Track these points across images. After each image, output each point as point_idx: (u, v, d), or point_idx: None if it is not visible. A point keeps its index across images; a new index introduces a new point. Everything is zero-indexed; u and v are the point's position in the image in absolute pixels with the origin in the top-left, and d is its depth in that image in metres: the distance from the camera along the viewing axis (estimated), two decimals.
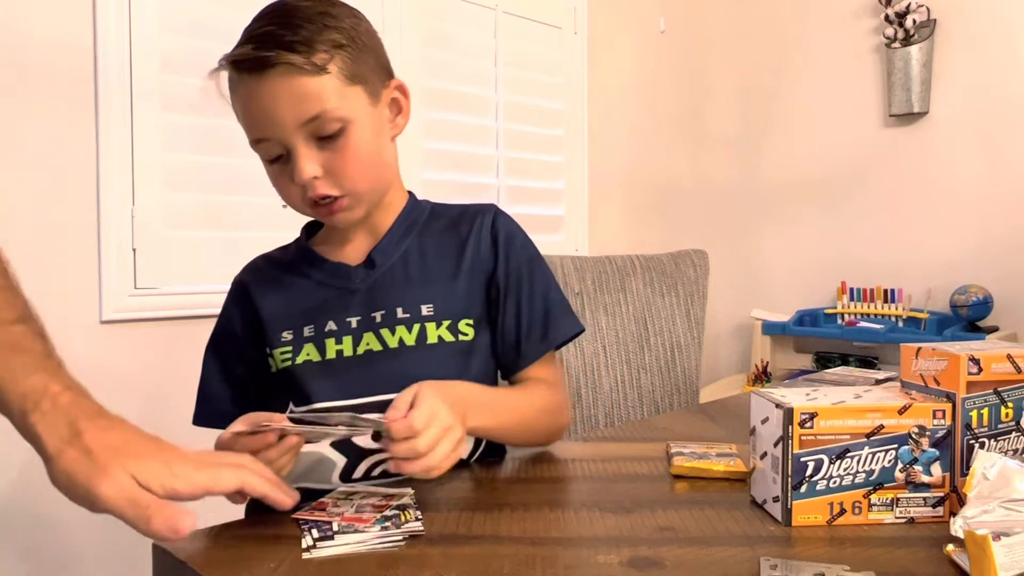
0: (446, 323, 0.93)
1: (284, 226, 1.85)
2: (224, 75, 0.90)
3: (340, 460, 0.88)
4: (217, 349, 1.00)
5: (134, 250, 1.63)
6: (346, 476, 0.88)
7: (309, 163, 0.86)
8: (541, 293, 0.98)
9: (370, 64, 0.90)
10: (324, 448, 0.89)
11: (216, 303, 1.71)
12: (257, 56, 0.83)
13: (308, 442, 0.82)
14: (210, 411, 0.97)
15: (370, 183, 0.92)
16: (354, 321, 0.93)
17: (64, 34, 1.55)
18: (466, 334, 0.94)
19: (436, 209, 1.03)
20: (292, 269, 0.99)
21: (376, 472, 0.88)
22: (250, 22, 0.90)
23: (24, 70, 1.50)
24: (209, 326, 1.80)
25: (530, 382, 0.98)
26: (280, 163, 0.89)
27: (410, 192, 1.03)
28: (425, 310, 0.93)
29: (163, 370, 1.68)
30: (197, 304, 1.72)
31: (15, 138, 1.49)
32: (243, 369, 0.98)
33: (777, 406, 0.71)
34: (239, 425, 0.77)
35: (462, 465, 0.91)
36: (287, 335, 0.94)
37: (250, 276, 1.01)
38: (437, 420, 0.73)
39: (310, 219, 1.03)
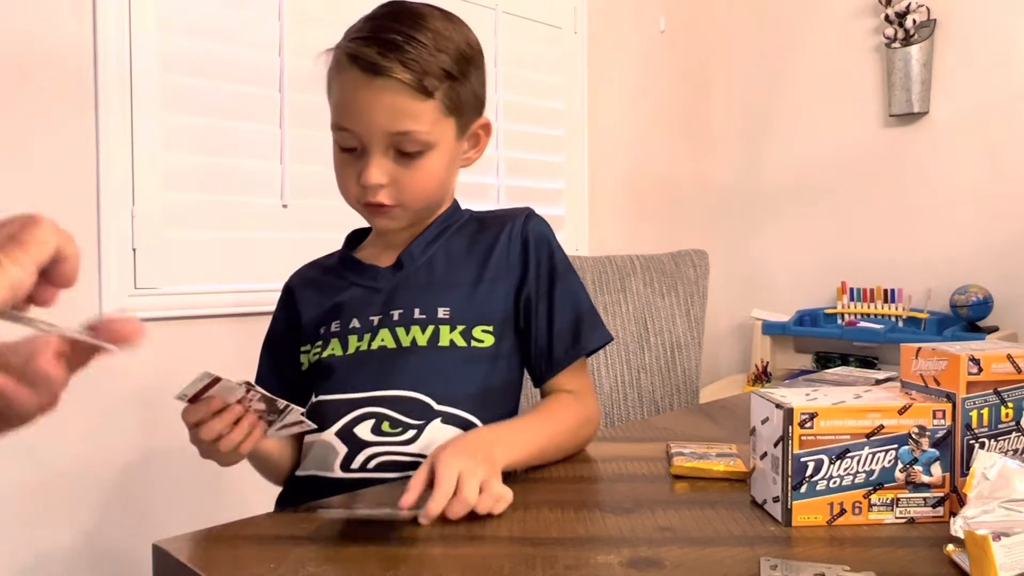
0: (460, 328, 0.93)
1: (284, 226, 1.86)
2: (325, 55, 0.94)
3: (342, 450, 0.90)
4: (270, 349, 1.05)
5: (134, 250, 1.63)
6: (346, 465, 0.89)
7: (379, 171, 0.90)
8: (572, 301, 0.98)
9: (470, 100, 0.95)
10: (330, 438, 0.90)
11: (216, 303, 1.74)
12: (376, 61, 0.87)
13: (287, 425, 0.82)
14: None
15: (426, 203, 0.96)
16: (375, 319, 0.95)
17: (64, 34, 1.54)
18: (481, 341, 0.94)
19: (473, 215, 1.04)
20: (332, 272, 1.03)
21: (372, 464, 0.89)
22: (377, 12, 0.92)
23: (24, 70, 1.50)
24: (209, 326, 1.81)
25: (557, 396, 0.97)
26: (351, 155, 0.93)
27: (456, 200, 1.04)
28: (441, 312, 0.94)
29: (163, 370, 1.68)
30: (197, 304, 1.72)
31: (15, 138, 1.49)
32: (293, 371, 1.01)
33: (777, 406, 0.71)
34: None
35: None
36: (320, 331, 0.98)
37: (296, 281, 1.06)
38: (463, 478, 0.72)
39: (352, 230, 1.08)
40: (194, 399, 0.76)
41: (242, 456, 0.81)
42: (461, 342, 0.93)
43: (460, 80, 0.92)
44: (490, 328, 0.95)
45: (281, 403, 0.77)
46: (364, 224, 1.05)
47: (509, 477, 0.88)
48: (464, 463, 0.74)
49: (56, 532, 1.54)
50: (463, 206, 1.06)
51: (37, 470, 1.51)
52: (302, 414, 0.79)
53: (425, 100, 0.89)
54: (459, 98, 0.93)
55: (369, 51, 0.87)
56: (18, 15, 1.49)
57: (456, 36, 0.93)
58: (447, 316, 0.94)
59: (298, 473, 0.94)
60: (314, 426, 0.83)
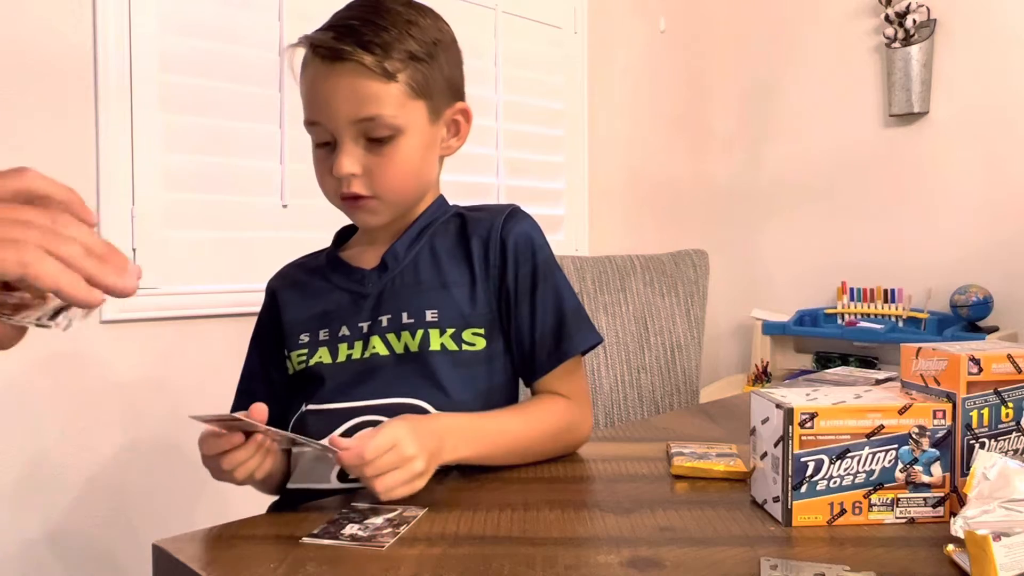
0: (449, 331, 0.92)
1: (284, 226, 1.86)
2: (300, 52, 0.92)
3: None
4: (257, 350, 1.04)
5: (134, 250, 1.63)
6: (343, 475, 0.88)
7: (350, 160, 0.88)
8: (553, 303, 0.95)
9: (440, 83, 0.92)
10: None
11: (216, 303, 1.74)
12: (333, 46, 0.86)
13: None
14: (246, 405, 0.97)
15: (403, 193, 0.94)
16: (364, 326, 0.94)
17: (64, 34, 1.55)
18: (472, 343, 0.92)
19: (458, 211, 1.01)
20: (317, 274, 1.01)
21: None
22: (342, 8, 0.92)
23: (24, 70, 1.50)
24: (209, 326, 1.81)
25: (544, 398, 0.96)
26: (325, 150, 0.92)
27: (441, 195, 1.02)
28: (429, 316, 0.92)
29: (163, 370, 1.68)
30: (197, 304, 1.72)
31: (15, 138, 1.49)
32: (278, 374, 1.00)
33: (777, 406, 0.71)
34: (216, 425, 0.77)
35: (460, 470, 0.91)
36: (304, 338, 0.96)
37: (278, 282, 1.04)
38: (395, 450, 0.74)
39: (341, 227, 1.05)
40: (209, 422, 0.76)
41: (257, 480, 0.81)
42: (452, 346, 0.91)
43: (427, 62, 0.90)
44: (481, 330, 0.93)
45: (301, 439, 0.77)
46: (349, 221, 1.03)
47: (494, 473, 0.88)
48: (408, 450, 0.75)
49: (57, 531, 1.54)
50: (461, 203, 1.04)
51: (38, 469, 1.51)
52: (321, 447, 0.78)
53: (388, 82, 0.87)
54: (427, 80, 0.90)
55: (326, 37, 0.87)
56: (18, 15, 1.49)
57: (421, 21, 0.91)
58: (435, 319, 0.92)
59: (290, 486, 0.93)
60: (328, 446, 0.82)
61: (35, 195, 0.55)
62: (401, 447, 0.75)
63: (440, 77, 0.92)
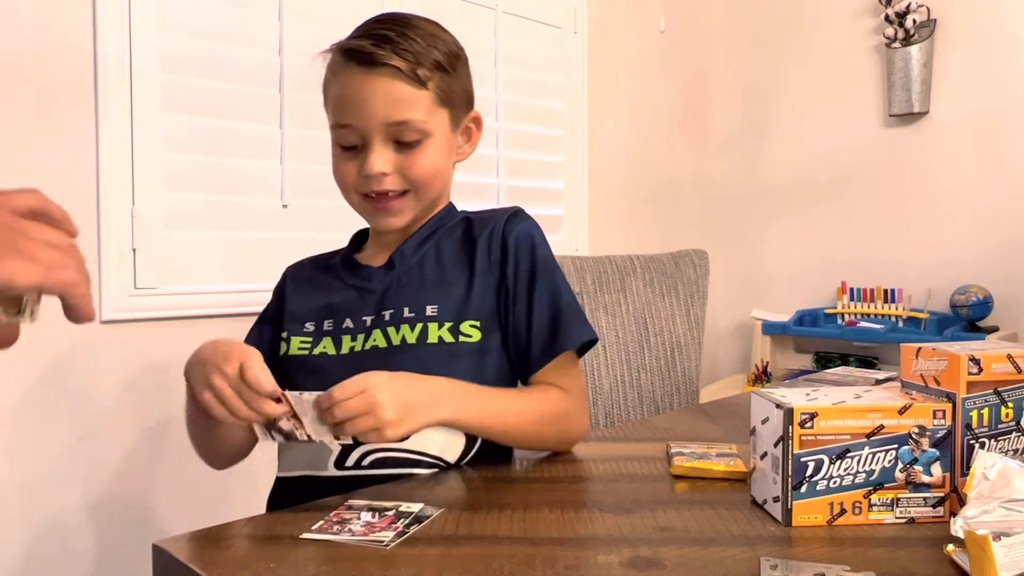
0: (448, 324, 0.94)
1: (284, 226, 1.86)
2: (321, 58, 0.98)
3: (336, 448, 0.90)
4: (258, 327, 1.09)
5: (134, 250, 1.63)
6: (340, 463, 0.90)
7: (381, 159, 0.94)
8: (549, 298, 0.98)
9: (460, 94, 1.00)
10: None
11: (216, 303, 1.75)
12: (372, 52, 0.92)
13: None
14: None
15: (430, 188, 0.99)
16: (368, 320, 0.97)
17: (64, 34, 1.54)
18: (469, 335, 0.95)
19: (464, 215, 1.06)
20: (329, 270, 1.06)
21: (367, 461, 0.90)
22: (367, 21, 0.98)
23: (24, 70, 1.50)
24: (209, 326, 1.81)
25: (539, 386, 0.97)
26: (350, 152, 0.96)
27: (451, 202, 1.07)
28: (429, 310, 0.95)
29: (163, 370, 1.68)
30: (197, 304, 1.72)
31: (15, 138, 1.49)
32: (267, 350, 1.01)
33: (777, 406, 0.71)
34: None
35: (457, 467, 0.92)
36: (309, 326, 1.00)
37: (292, 271, 1.10)
38: (364, 395, 0.78)
39: (356, 231, 1.10)
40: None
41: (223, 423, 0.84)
42: (449, 338, 0.94)
43: (450, 73, 0.97)
44: (477, 323, 0.96)
45: (310, 436, 0.80)
46: (366, 225, 1.06)
47: (504, 480, 0.88)
48: (377, 397, 0.78)
49: (57, 532, 1.54)
50: (462, 206, 1.07)
51: (38, 468, 1.51)
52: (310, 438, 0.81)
53: (420, 88, 0.93)
54: (450, 90, 0.97)
55: (363, 44, 0.93)
56: (18, 15, 1.49)
57: (443, 36, 0.99)
58: (435, 313, 0.95)
59: (288, 474, 0.94)
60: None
61: (42, 213, 0.65)
62: (371, 392, 0.78)
63: (460, 88, 1.00)
